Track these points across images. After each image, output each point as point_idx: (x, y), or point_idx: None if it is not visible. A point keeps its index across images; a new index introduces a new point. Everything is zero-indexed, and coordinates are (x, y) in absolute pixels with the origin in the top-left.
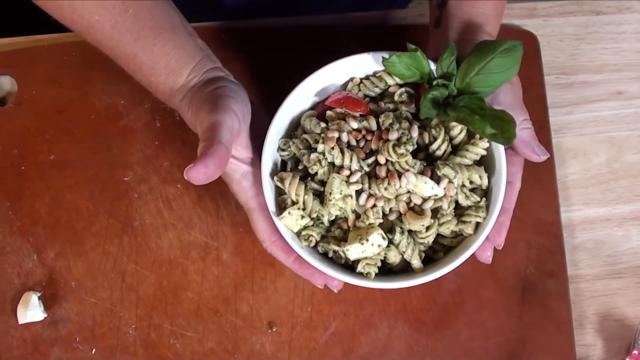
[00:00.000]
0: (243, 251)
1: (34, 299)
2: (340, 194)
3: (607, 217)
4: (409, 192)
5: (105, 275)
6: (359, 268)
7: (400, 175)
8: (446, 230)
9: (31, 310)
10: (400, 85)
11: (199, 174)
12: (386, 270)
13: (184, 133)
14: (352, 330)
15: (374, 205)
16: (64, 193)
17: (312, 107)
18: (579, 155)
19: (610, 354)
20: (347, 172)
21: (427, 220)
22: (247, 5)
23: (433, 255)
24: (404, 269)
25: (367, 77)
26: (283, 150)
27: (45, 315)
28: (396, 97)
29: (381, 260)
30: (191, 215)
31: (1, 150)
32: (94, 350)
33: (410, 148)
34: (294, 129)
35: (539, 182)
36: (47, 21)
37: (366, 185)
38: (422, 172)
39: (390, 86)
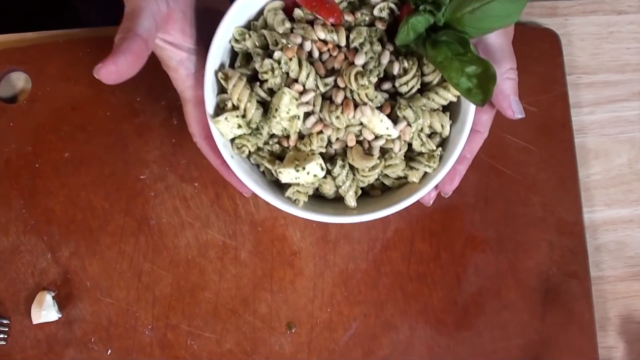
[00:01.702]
0: (262, 250)
1: (48, 298)
2: (287, 112)
3: (629, 218)
4: (361, 124)
5: (121, 275)
6: (288, 193)
7: (356, 106)
8: (391, 173)
9: (45, 310)
10: None
11: (109, 73)
12: (317, 195)
13: None
14: (372, 331)
15: (321, 132)
16: (79, 191)
17: None
18: (601, 155)
19: (632, 356)
20: (300, 88)
21: (374, 162)
22: None
23: (369, 190)
24: (338, 198)
25: None
26: (237, 41)
27: (60, 315)
28: (376, 11)
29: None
30: (209, 214)
31: (15, 148)
32: (109, 351)
33: (374, 80)
34: (257, 17)
35: (562, 182)
36: (61, 17)
37: (317, 108)
38: (381, 106)
39: None
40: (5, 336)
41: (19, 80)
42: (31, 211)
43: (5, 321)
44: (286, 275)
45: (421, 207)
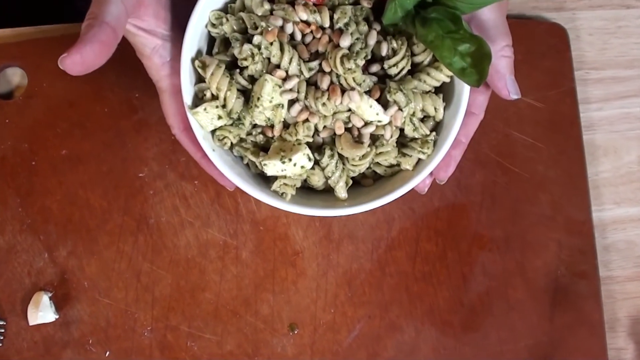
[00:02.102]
0: (263, 250)
1: (45, 299)
2: (270, 101)
3: (639, 217)
4: (350, 110)
5: (120, 275)
6: (275, 186)
7: (343, 92)
8: (383, 161)
9: (42, 311)
10: None
11: (74, 64)
12: (306, 187)
13: None
14: (377, 333)
15: (307, 120)
16: (77, 189)
17: None
18: (610, 152)
19: None
20: (282, 74)
21: (364, 150)
22: None
23: (361, 180)
24: (327, 189)
25: None
26: (214, 26)
27: (57, 316)
28: None
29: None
30: (209, 212)
31: (11, 145)
32: (107, 352)
33: (361, 63)
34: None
35: (570, 180)
36: (60, 13)
37: (302, 95)
38: (370, 91)
39: None
40: (1, 337)
41: (15, 76)
42: (28, 210)
43: (1, 322)
44: (288, 275)
45: (426, 205)
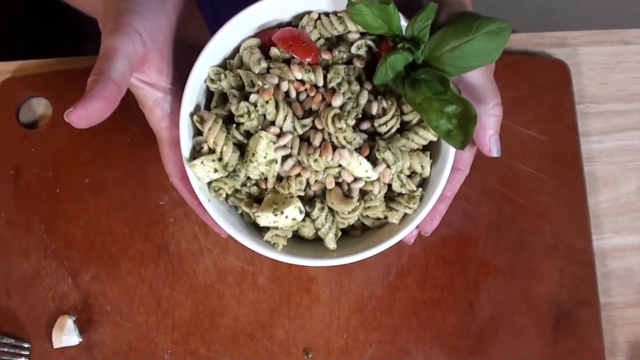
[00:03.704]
0: (279, 276)
1: (69, 323)
2: (265, 157)
3: (638, 245)
4: (340, 166)
5: (141, 300)
6: (267, 237)
7: (334, 149)
8: (371, 214)
9: (66, 335)
10: (362, 34)
11: (79, 118)
12: (297, 236)
13: None
14: (387, 357)
15: (299, 175)
16: (100, 216)
17: (258, 34)
18: (609, 183)
19: None
20: (276, 131)
21: (353, 205)
22: None
23: (350, 231)
24: (318, 239)
25: (327, 14)
26: (213, 81)
27: (81, 340)
28: (353, 49)
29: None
30: (227, 240)
31: (36, 173)
32: None
33: (352, 122)
34: (232, 55)
35: (572, 210)
36: (79, 46)
37: (295, 151)
38: (360, 148)
39: (350, 32)
40: None
41: (40, 106)
42: (52, 236)
43: (26, 345)
44: (303, 301)
45: (435, 234)
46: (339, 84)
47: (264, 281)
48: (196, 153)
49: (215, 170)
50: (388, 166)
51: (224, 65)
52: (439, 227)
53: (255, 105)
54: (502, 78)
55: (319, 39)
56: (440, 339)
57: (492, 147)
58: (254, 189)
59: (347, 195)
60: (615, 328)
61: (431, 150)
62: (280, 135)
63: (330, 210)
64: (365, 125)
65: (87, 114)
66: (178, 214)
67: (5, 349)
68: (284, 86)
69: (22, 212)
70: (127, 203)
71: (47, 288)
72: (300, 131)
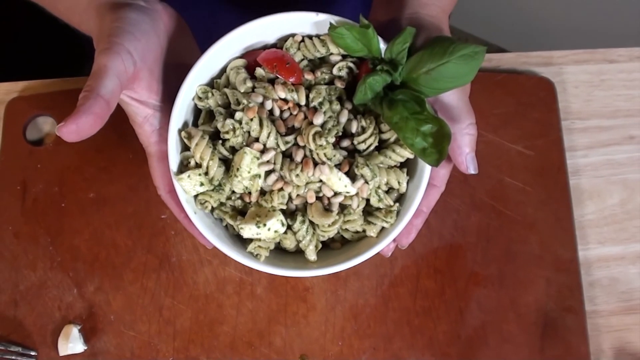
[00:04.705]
0: (276, 286)
1: (74, 331)
2: (249, 172)
3: (622, 256)
4: (321, 181)
5: (144, 309)
6: (250, 248)
7: (315, 165)
8: (350, 227)
9: (72, 343)
10: (344, 56)
11: (70, 132)
12: (279, 248)
13: None
14: None
15: (281, 189)
16: (103, 229)
17: (244, 55)
18: (594, 196)
19: None
20: (260, 147)
21: (333, 218)
22: None
23: (330, 243)
24: (299, 251)
25: (310, 37)
26: (200, 99)
27: (86, 348)
28: (335, 70)
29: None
30: None
31: (42, 188)
32: None
33: (332, 140)
34: (220, 74)
35: (558, 222)
36: (81, 65)
37: (278, 166)
38: (340, 164)
39: (332, 54)
40: None
41: (46, 124)
42: (58, 248)
43: (33, 353)
44: (299, 309)
45: (426, 245)
46: (321, 103)
47: (262, 291)
48: (183, 167)
49: (202, 184)
50: (366, 182)
51: (211, 84)
52: (430, 238)
53: (240, 122)
54: (490, 95)
55: (302, 60)
56: (432, 346)
57: (468, 164)
58: (238, 202)
59: (327, 209)
60: (600, 335)
61: (408, 167)
62: (263, 151)
63: (311, 223)
64: (345, 143)
65: (77, 129)
66: (179, 227)
67: (13, 357)
68: (268, 105)
69: (29, 225)
70: (130, 217)
71: (53, 298)
72: (283, 147)
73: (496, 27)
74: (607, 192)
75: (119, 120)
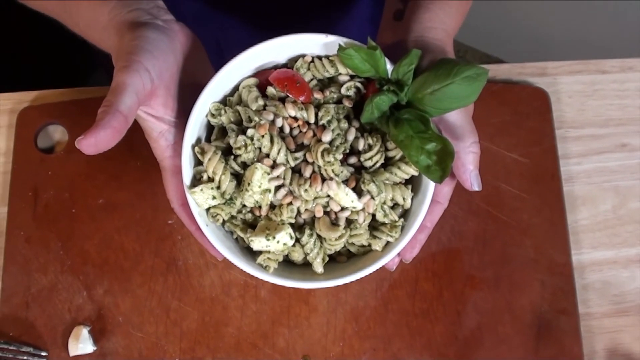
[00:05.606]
0: (279, 289)
1: (84, 332)
2: (259, 187)
3: (614, 260)
4: (328, 196)
5: (151, 311)
6: (259, 260)
7: (323, 180)
8: (356, 241)
9: (82, 344)
10: (352, 76)
11: (89, 145)
12: (287, 260)
13: None
14: None
15: (290, 203)
16: (112, 234)
17: (256, 74)
18: (587, 202)
19: None
20: (270, 162)
21: (340, 232)
22: None
23: (336, 256)
24: (306, 263)
25: (320, 58)
26: (213, 116)
27: (95, 348)
28: (343, 90)
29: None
30: None
31: (53, 195)
32: None
33: (340, 157)
34: (232, 92)
35: (552, 227)
36: (89, 74)
37: (287, 182)
38: (347, 180)
39: (340, 74)
40: None
41: (56, 133)
42: (68, 252)
43: (44, 353)
44: (302, 311)
45: (424, 250)
46: (329, 122)
47: (266, 293)
48: (196, 181)
49: (214, 198)
50: (372, 197)
51: (224, 101)
52: (429, 243)
53: (252, 138)
54: (486, 105)
55: (312, 80)
56: (430, 347)
57: (473, 182)
58: (249, 216)
59: (335, 224)
60: (593, 336)
61: (413, 183)
62: (274, 166)
63: (319, 236)
64: (352, 160)
65: (95, 142)
66: (185, 232)
67: (25, 357)
68: (279, 122)
69: (40, 230)
70: (138, 222)
71: (63, 301)
72: (292, 163)
73: (494, 39)
74: (600, 198)
75: (128, 131)
